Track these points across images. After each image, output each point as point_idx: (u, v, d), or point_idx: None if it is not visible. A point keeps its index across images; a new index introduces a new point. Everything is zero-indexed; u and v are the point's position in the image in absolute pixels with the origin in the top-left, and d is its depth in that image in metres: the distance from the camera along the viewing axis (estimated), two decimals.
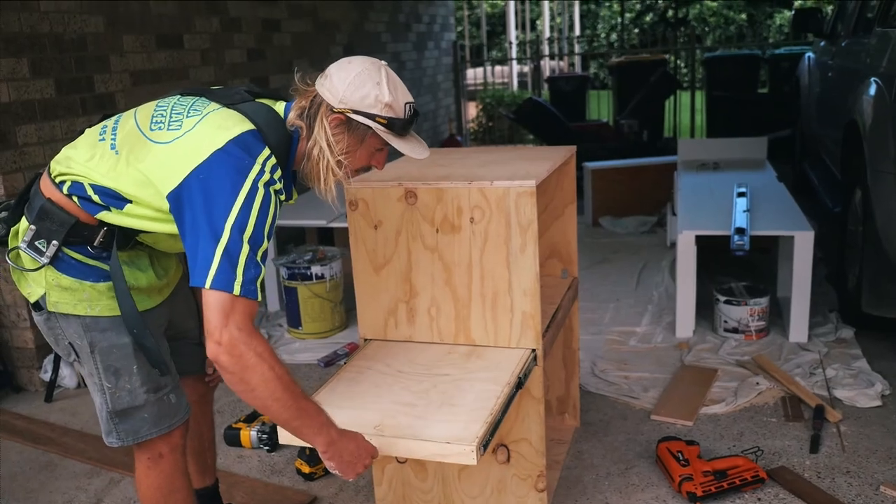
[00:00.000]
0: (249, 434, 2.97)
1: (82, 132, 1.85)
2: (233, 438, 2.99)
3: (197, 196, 1.62)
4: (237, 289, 1.59)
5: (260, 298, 1.66)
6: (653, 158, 6.15)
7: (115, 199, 1.73)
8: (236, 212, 1.61)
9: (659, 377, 3.32)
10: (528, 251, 2.17)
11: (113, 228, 1.76)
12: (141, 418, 1.86)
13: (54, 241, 1.73)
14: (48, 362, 3.55)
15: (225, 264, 1.58)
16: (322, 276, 3.98)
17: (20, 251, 1.76)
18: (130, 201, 1.72)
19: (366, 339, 2.40)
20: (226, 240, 1.59)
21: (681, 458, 2.53)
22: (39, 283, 1.77)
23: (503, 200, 2.15)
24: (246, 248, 1.61)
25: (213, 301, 1.58)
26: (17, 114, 3.42)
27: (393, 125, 1.78)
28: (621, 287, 4.52)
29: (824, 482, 2.51)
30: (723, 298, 3.67)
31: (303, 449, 2.76)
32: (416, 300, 2.31)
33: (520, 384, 2.06)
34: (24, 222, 1.79)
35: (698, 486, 2.42)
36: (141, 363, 1.84)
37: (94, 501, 2.70)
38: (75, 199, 1.74)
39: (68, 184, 1.74)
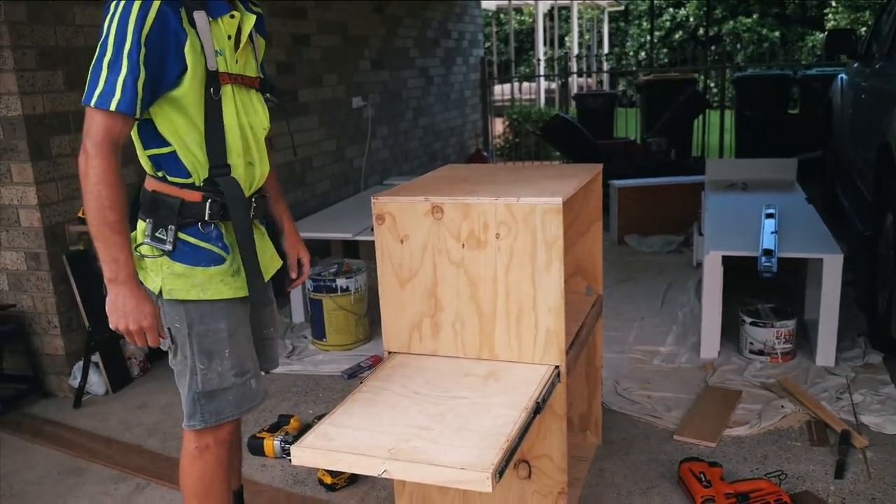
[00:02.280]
0: (273, 444, 3.00)
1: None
2: (256, 447, 3.02)
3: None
4: (94, 100, 1.72)
5: (136, 113, 1.75)
6: (680, 178, 6.13)
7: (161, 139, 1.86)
8: (108, 23, 1.74)
9: (682, 397, 3.31)
10: (553, 268, 2.18)
11: (218, 200, 1.88)
12: (225, 400, 1.97)
13: (171, 226, 1.87)
14: (77, 369, 3.61)
15: (92, 77, 1.73)
16: (347, 289, 4.02)
17: (144, 245, 1.89)
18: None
19: (390, 352, 2.42)
20: (97, 53, 1.74)
21: (703, 479, 2.52)
22: (158, 273, 1.89)
23: (529, 217, 2.17)
24: (107, 60, 1.71)
25: (86, 115, 1.75)
26: (51, 125, 3.51)
27: None
28: (646, 306, 4.50)
29: None
30: (749, 320, 3.64)
31: None
32: (440, 314, 2.33)
33: (538, 409, 2.05)
34: (140, 224, 1.93)
35: None
36: (232, 348, 1.95)
37: None
38: (162, 173, 1.87)
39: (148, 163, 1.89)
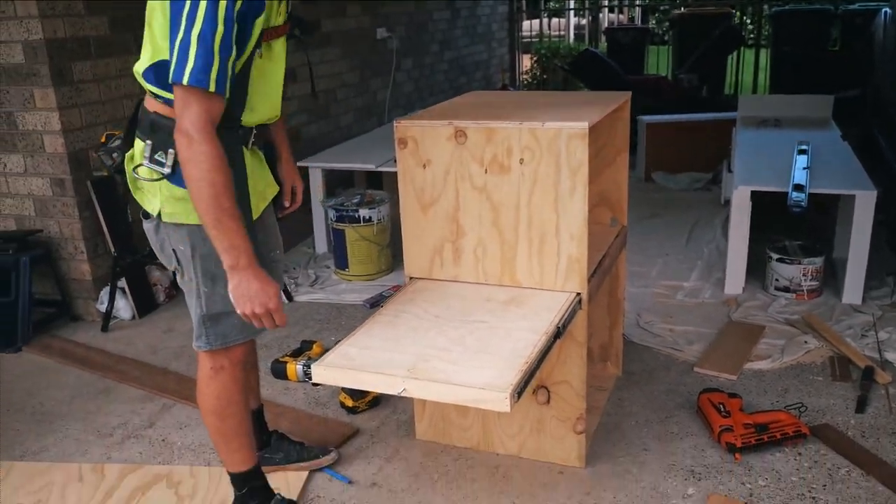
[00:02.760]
0: (295, 368, 3.01)
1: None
2: (279, 371, 3.04)
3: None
4: (186, 77, 1.64)
5: (227, 94, 1.70)
6: (711, 114, 5.98)
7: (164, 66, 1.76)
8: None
9: (704, 332, 3.29)
10: (577, 194, 2.15)
11: (230, 128, 1.82)
12: (231, 323, 1.96)
13: (171, 149, 1.81)
14: (104, 294, 3.67)
15: (180, 55, 1.64)
16: (370, 220, 4.01)
17: (143, 167, 1.85)
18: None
19: (411, 278, 2.42)
20: (183, 26, 1.64)
21: (722, 409, 2.52)
22: (156, 195, 1.87)
23: (554, 142, 2.13)
24: (196, 38, 1.63)
25: (176, 93, 1.69)
26: (72, 50, 3.48)
27: None
28: (671, 242, 4.46)
29: (868, 441, 2.47)
30: (775, 256, 3.59)
31: None
32: (462, 240, 2.32)
33: (558, 333, 2.06)
34: (138, 143, 1.89)
35: (738, 437, 2.40)
36: None
37: (148, 424, 2.81)
38: (162, 101, 1.81)
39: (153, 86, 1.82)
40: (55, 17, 3.39)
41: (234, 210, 1.73)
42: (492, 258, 2.30)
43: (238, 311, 1.81)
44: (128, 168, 1.93)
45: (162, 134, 1.85)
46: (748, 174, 3.74)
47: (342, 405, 2.82)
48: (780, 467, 2.36)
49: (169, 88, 1.78)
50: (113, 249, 3.62)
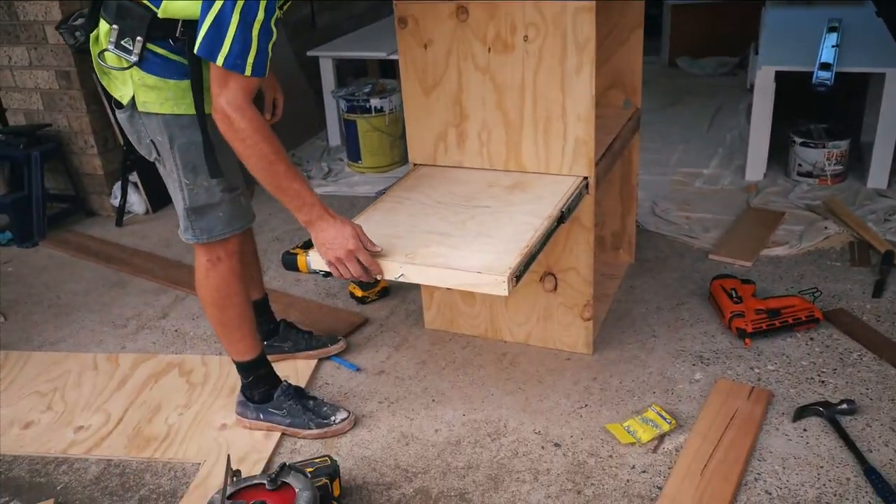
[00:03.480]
0: (306, 259, 3.01)
1: None
2: (290, 263, 3.02)
3: None
4: (220, 59, 1.62)
5: (266, 75, 1.68)
6: None
7: None
8: None
9: (722, 218, 3.22)
10: (584, 73, 2.05)
11: (190, 21, 1.72)
12: (216, 217, 1.92)
13: (139, 37, 1.73)
14: (117, 188, 3.67)
15: (213, 30, 1.61)
16: (381, 109, 3.92)
17: (108, 53, 1.77)
18: None
19: (415, 164, 2.36)
20: (220, 3, 1.59)
21: (734, 295, 2.48)
22: (127, 84, 1.80)
23: (560, 17, 2.01)
24: (236, 18, 1.60)
25: (211, 70, 1.65)
26: None
27: None
28: (692, 129, 4.31)
29: (883, 325, 2.43)
30: (799, 140, 3.46)
31: None
32: (466, 124, 2.24)
33: (562, 218, 2.00)
34: (103, 25, 1.79)
35: (749, 322, 2.37)
36: (220, 161, 1.85)
37: (161, 315, 2.85)
38: None
39: None
40: None
41: (290, 171, 1.74)
42: (496, 142, 2.23)
43: (326, 263, 1.85)
44: (93, 51, 1.83)
45: (130, 21, 1.74)
46: (773, 54, 3.56)
47: (352, 295, 2.82)
48: (790, 352, 2.34)
49: None
50: (122, 143, 3.58)
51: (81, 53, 1.90)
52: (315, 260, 2.04)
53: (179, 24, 1.75)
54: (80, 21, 1.88)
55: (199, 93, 1.79)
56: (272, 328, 2.46)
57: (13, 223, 3.52)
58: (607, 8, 2.54)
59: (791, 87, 3.43)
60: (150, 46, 1.77)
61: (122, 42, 1.76)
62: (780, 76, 3.37)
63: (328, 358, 2.48)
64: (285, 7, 1.84)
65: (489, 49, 2.12)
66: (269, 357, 2.43)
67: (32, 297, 3.05)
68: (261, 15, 1.61)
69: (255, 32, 1.61)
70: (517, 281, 1.73)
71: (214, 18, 1.59)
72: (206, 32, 1.61)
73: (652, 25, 6.09)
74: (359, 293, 2.80)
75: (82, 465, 2.11)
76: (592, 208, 2.20)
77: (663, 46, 5.59)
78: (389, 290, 2.84)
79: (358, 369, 2.43)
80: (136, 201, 3.73)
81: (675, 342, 2.43)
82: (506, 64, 2.12)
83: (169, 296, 2.98)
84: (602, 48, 2.62)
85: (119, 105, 1.87)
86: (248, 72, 1.63)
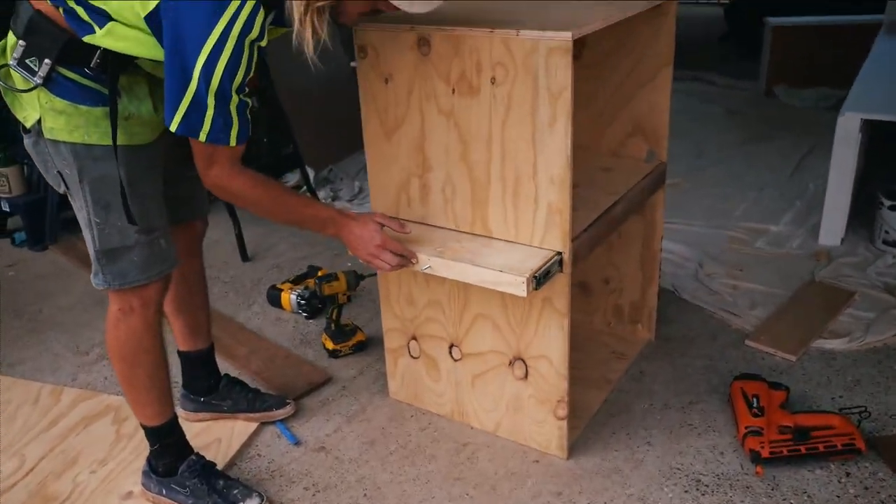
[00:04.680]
0: (290, 297, 2.77)
1: None
2: (274, 298, 2.82)
3: (169, 27, 1.47)
4: (202, 136, 1.53)
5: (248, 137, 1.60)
6: (853, 17, 4.96)
7: (98, 15, 1.52)
8: (204, 58, 1.46)
9: (776, 292, 2.71)
10: (558, 127, 1.65)
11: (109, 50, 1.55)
12: (129, 261, 1.69)
13: (47, 60, 1.54)
14: None
15: (192, 111, 1.50)
16: None
17: (10, 70, 1.59)
18: (113, 19, 1.51)
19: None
20: (194, 87, 1.48)
21: (755, 404, 2.01)
22: (34, 106, 1.60)
23: (530, 58, 1.63)
24: (212, 101, 1.49)
25: (193, 145, 1.57)
26: None
27: None
28: (772, 173, 3.76)
29: None
30: (888, 203, 2.89)
31: (328, 324, 2.52)
32: (429, 175, 1.89)
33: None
34: (11, 37, 1.60)
35: (767, 443, 1.91)
36: (135, 198, 1.64)
37: None
38: (61, 10, 1.53)
39: None
40: None
41: (297, 203, 1.77)
42: (462, 200, 1.87)
43: (377, 268, 1.83)
44: (1, 63, 1.62)
45: (39, 38, 1.55)
46: (865, 96, 2.99)
47: (324, 347, 2.53)
48: (815, 490, 1.85)
49: (67, 7, 1.52)
50: None
51: None
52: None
53: (98, 53, 1.54)
54: None
55: (116, 121, 1.57)
56: (212, 383, 2.19)
57: (26, 224, 3.45)
58: (629, 40, 2.13)
59: (886, 138, 2.86)
60: (61, 70, 1.56)
61: (27, 60, 1.56)
62: (871, 125, 2.82)
63: (272, 422, 2.20)
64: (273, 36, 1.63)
65: (453, 90, 1.76)
66: (206, 416, 2.21)
67: (17, 309, 2.94)
68: (233, 98, 1.52)
69: (232, 108, 1.53)
70: (536, 286, 1.69)
71: (191, 101, 1.49)
72: (185, 113, 1.50)
73: (752, 48, 5.49)
74: (330, 346, 2.50)
75: None
76: (567, 289, 1.80)
77: (761, 72, 5.00)
78: (366, 345, 2.52)
79: (297, 442, 2.12)
80: None
81: (673, 455, 1.99)
82: (471, 109, 1.76)
83: None
84: (622, 88, 2.22)
85: (24, 130, 1.66)
86: (232, 143, 1.56)
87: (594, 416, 2.15)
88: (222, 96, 1.50)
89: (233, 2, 1.45)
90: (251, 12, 1.47)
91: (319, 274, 2.64)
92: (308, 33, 1.50)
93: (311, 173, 3.71)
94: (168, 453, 1.90)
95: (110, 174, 1.62)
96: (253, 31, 1.49)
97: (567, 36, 1.56)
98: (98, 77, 1.58)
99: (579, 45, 2.27)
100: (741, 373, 2.19)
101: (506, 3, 1.98)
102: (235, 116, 1.55)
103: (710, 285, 2.78)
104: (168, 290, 1.86)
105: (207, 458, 1.94)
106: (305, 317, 2.74)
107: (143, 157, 1.67)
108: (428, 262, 1.80)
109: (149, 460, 1.93)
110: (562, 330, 1.85)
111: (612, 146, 2.32)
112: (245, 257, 3.21)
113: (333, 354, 2.50)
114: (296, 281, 2.87)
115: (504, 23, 1.70)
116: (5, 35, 1.61)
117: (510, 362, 1.98)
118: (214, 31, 1.44)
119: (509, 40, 1.64)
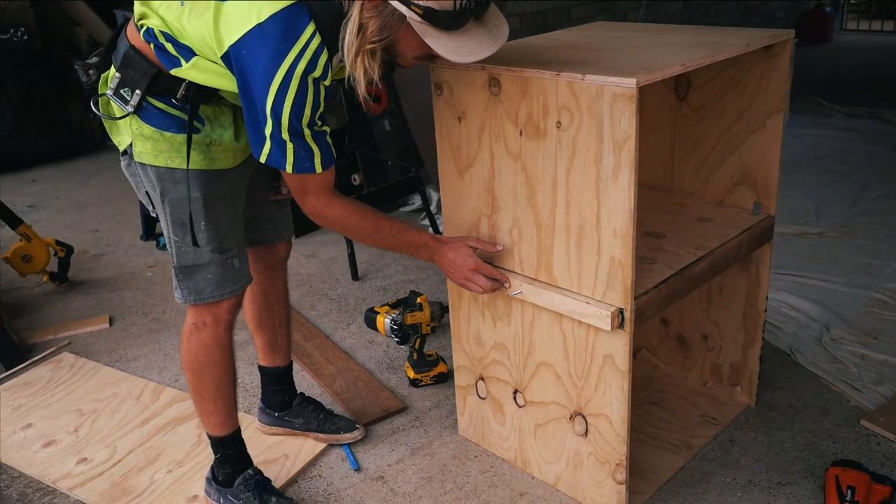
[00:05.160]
0: (385, 321, 2.80)
1: None
2: (370, 321, 2.86)
3: (239, 70, 1.56)
4: (288, 168, 1.61)
5: (335, 160, 1.68)
6: None
7: (184, 50, 1.63)
8: (271, 100, 1.54)
9: None
10: (622, 178, 1.56)
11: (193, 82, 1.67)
12: (204, 278, 1.80)
13: (138, 91, 1.68)
14: None
15: (273, 146, 1.59)
16: None
17: (108, 99, 1.74)
18: (197, 54, 1.62)
19: None
20: (269, 125, 1.57)
21: (849, 497, 1.78)
22: (127, 131, 1.75)
23: (595, 104, 1.54)
24: (287, 137, 1.57)
25: (285, 177, 1.67)
26: None
27: (433, 17, 1.49)
28: None
29: None
30: None
31: (411, 353, 2.52)
32: (497, 216, 1.85)
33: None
34: (112, 69, 1.75)
35: None
36: (210, 220, 1.76)
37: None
38: (152, 46, 1.66)
39: (144, 28, 1.66)
40: None
41: (393, 229, 1.79)
42: (528, 244, 1.81)
43: (473, 291, 1.86)
44: (100, 92, 1.76)
45: (132, 71, 1.68)
46: None
47: (406, 375, 2.53)
48: None
49: (158, 43, 1.64)
50: None
51: (93, 93, 1.85)
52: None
53: (184, 85, 1.66)
54: (95, 59, 1.84)
55: (190, 147, 1.68)
56: (286, 400, 2.26)
57: None
58: (739, 82, 1.98)
59: None
60: (150, 100, 1.69)
61: (121, 91, 1.70)
62: None
63: (339, 445, 2.23)
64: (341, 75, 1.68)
65: (521, 132, 1.71)
66: (279, 430, 2.28)
67: (145, 308, 3.19)
68: (306, 132, 1.58)
69: (309, 141, 1.60)
70: (621, 323, 1.66)
71: (270, 137, 1.58)
72: (269, 149, 1.59)
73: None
74: (411, 374, 2.50)
75: (59, 501, 2.10)
76: (628, 349, 1.68)
77: None
78: (447, 377, 2.50)
79: (358, 468, 2.14)
80: None
81: None
82: (538, 152, 1.69)
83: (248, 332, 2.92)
84: (731, 133, 2.07)
85: (123, 152, 1.81)
86: (318, 170, 1.64)
87: (666, 483, 2.00)
88: (294, 132, 1.57)
89: (296, 45, 1.50)
90: (314, 54, 1.52)
91: (417, 301, 2.65)
92: (360, 73, 1.52)
93: (433, 196, 3.75)
94: (228, 463, 1.98)
95: (187, 195, 1.72)
96: (316, 70, 1.54)
97: (632, 83, 1.47)
98: (182, 107, 1.68)
99: (685, 86, 2.15)
100: (843, 458, 1.95)
101: (602, 41, 1.90)
102: (314, 146, 1.61)
103: (835, 352, 2.50)
104: (240, 308, 1.94)
105: (265, 474, 2.00)
106: (397, 342, 2.75)
107: (222, 181, 1.76)
108: (520, 287, 1.81)
109: (212, 468, 2.02)
110: (621, 390, 1.73)
111: (719, 194, 2.16)
112: (355, 276, 3.30)
113: (414, 384, 2.50)
114: (395, 305, 2.90)
115: (575, 64, 1.63)
116: (108, 67, 1.76)
117: (571, 416, 1.88)
118: (277, 74, 1.51)
119: (574, 84, 1.56)
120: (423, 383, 2.49)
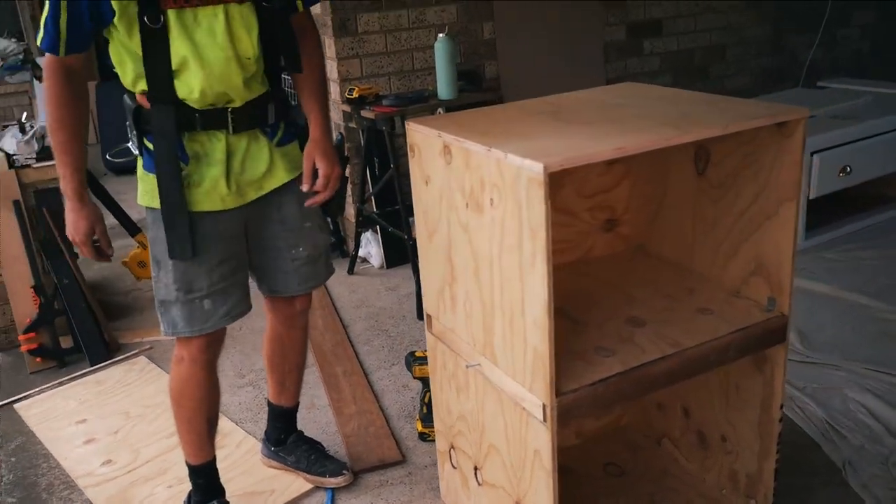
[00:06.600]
0: (420, 368, 2.79)
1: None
2: (408, 364, 2.84)
3: None
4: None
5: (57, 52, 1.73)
6: None
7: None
8: None
9: None
10: (537, 267, 1.44)
11: (164, 107, 1.76)
12: (175, 314, 1.90)
13: (134, 131, 1.84)
14: (363, 237, 3.86)
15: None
16: None
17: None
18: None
19: (428, 315, 1.97)
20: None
21: None
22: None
23: (515, 184, 1.45)
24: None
25: None
26: (359, 2, 3.58)
27: None
28: None
29: None
30: None
31: (421, 406, 2.49)
32: (455, 287, 1.79)
33: None
34: None
35: None
36: (178, 262, 1.85)
37: None
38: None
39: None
40: None
41: (64, 145, 1.79)
42: (476, 320, 1.72)
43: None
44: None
45: (127, 115, 1.84)
46: None
47: (417, 428, 2.50)
48: None
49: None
50: (363, 197, 3.75)
51: None
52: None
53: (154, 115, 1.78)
54: None
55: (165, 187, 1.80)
56: (282, 438, 2.33)
57: None
58: (754, 161, 1.77)
59: None
60: (145, 141, 1.83)
61: (131, 136, 1.87)
62: None
63: (324, 488, 2.26)
64: None
65: (467, 204, 1.64)
66: (275, 465, 2.36)
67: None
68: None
69: (48, 6, 1.69)
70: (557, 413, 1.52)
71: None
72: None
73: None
74: (419, 428, 2.47)
75: (74, 497, 2.31)
76: (551, 445, 1.55)
77: None
78: None
79: None
80: (375, 254, 3.88)
81: None
82: (480, 228, 1.62)
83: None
84: (747, 217, 1.85)
85: None
86: (38, 43, 1.74)
87: None
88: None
89: None
90: None
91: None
92: None
93: None
94: (199, 492, 2.08)
95: (160, 235, 1.83)
96: None
97: (539, 167, 1.36)
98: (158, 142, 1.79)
99: (704, 159, 1.94)
100: None
101: (595, 108, 1.77)
102: (43, 22, 1.70)
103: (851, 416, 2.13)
104: (218, 348, 2.02)
105: None
106: (426, 391, 2.73)
107: (204, 223, 1.84)
108: (478, 360, 1.73)
109: (189, 493, 2.12)
110: (548, 489, 1.60)
111: (735, 283, 1.92)
112: (420, 316, 3.31)
113: (422, 437, 2.47)
114: None
115: (520, 138, 1.54)
116: None
117: None
118: None
119: (501, 162, 1.47)
120: (430, 438, 2.45)
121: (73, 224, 1.83)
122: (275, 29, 1.84)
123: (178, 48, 1.70)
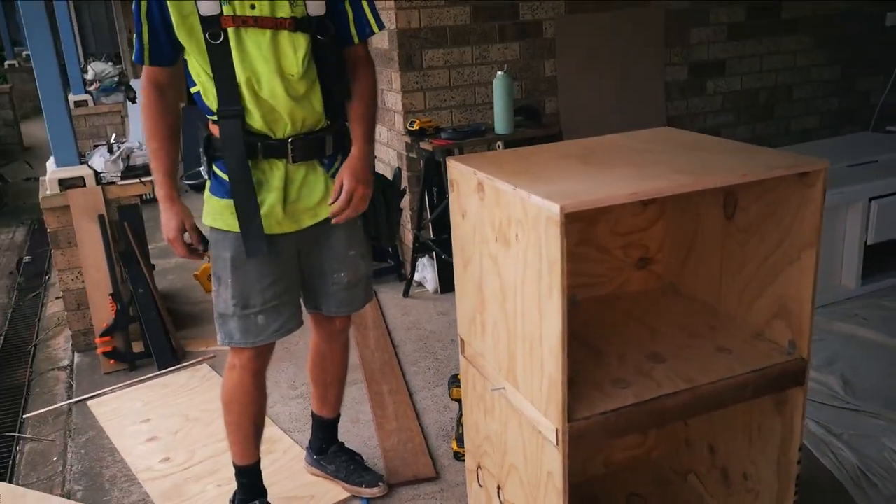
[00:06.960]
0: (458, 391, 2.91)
1: None
2: (449, 385, 2.97)
3: None
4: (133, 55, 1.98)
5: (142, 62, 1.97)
6: None
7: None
8: None
9: None
10: (554, 299, 1.56)
11: (231, 132, 1.93)
12: (232, 326, 2.08)
13: (204, 157, 2.04)
14: (419, 262, 4.01)
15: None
16: None
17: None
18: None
19: (462, 339, 2.10)
20: None
21: None
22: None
23: (536, 222, 1.57)
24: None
25: None
26: (425, 39, 3.77)
27: None
28: None
29: None
30: None
31: (457, 426, 2.60)
32: (485, 315, 1.91)
33: None
34: None
35: None
36: (236, 279, 2.03)
37: None
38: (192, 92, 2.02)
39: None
40: (411, 9, 3.72)
41: (156, 152, 2.01)
42: (502, 347, 1.84)
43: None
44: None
45: (200, 143, 2.03)
46: None
47: (453, 448, 2.62)
48: None
49: (198, 103, 2.00)
50: (420, 224, 3.91)
51: None
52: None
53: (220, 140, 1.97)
54: None
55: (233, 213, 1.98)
56: (323, 447, 2.48)
57: None
58: (778, 208, 1.84)
59: None
60: (214, 167, 2.02)
61: (202, 161, 2.06)
62: None
63: (360, 497, 2.39)
64: None
65: (496, 238, 1.77)
66: (316, 473, 2.50)
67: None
68: (144, 23, 1.92)
69: (144, 38, 1.94)
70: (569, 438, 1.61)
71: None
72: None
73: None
74: (454, 447, 2.58)
75: (133, 490, 2.51)
76: (562, 468, 1.64)
77: None
78: None
79: None
80: (430, 279, 4.02)
81: None
82: (507, 261, 1.74)
83: (353, 375, 3.19)
84: (771, 261, 1.91)
85: None
86: (146, 62, 1.96)
87: None
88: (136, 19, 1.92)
89: None
90: None
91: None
92: None
93: None
94: (242, 491, 2.25)
95: (222, 255, 2.02)
96: None
97: (555, 208, 1.47)
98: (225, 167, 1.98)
99: (732, 204, 2.01)
100: None
101: (625, 153, 1.88)
102: (136, 36, 1.93)
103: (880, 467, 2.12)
104: (268, 358, 2.19)
105: None
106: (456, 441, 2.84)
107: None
108: (503, 383, 1.81)
109: (234, 492, 2.29)
110: None
111: (759, 325, 1.98)
112: None
113: (456, 456, 2.58)
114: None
115: (546, 180, 1.66)
116: None
117: None
118: None
119: (525, 201, 1.60)
120: (463, 457, 2.56)
121: (165, 223, 2.01)
122: (326, 59, 1.98)
123: (239, 64, 1.88)
